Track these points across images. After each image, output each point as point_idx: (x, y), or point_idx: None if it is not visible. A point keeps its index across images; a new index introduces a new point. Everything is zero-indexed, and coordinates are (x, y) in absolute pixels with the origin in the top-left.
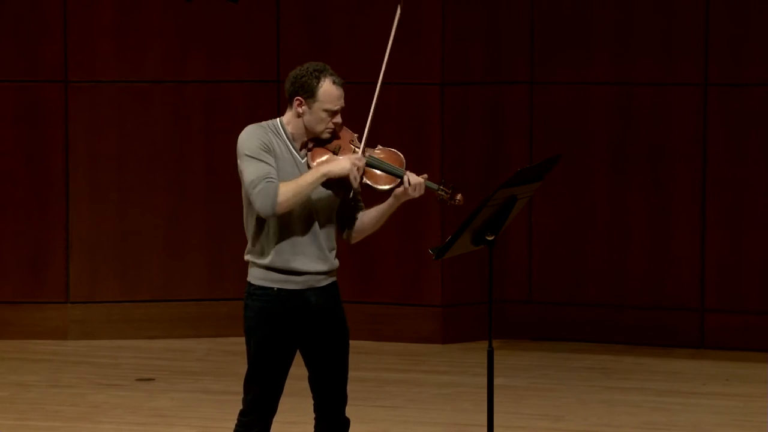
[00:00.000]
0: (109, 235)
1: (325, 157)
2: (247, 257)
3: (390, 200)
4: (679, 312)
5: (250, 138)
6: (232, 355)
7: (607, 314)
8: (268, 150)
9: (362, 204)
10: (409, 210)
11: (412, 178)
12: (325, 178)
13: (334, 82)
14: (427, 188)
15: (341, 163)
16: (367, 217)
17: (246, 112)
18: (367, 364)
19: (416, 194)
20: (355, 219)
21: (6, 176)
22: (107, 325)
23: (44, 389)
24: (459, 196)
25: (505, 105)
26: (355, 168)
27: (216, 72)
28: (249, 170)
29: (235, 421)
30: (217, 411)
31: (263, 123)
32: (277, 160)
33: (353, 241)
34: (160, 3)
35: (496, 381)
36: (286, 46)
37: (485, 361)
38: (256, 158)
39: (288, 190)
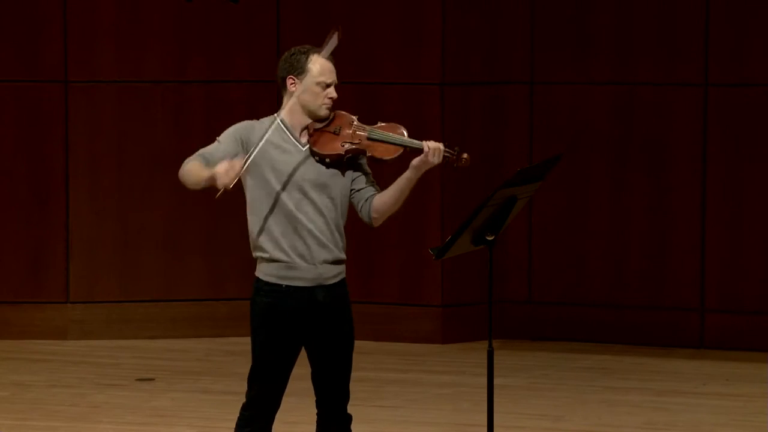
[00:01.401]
0: (109, 235)
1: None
2: (254, 254)
3: (408, 174)
4: (679, 312)
5: (231, 127)
6: (232, 355)
7: (607, 314)
8: (238, 142)
9: (377, 186)
10: (409, 210)
11: (430, 143)
12: (210, 180)
13: (322, 56)
14: None
15: (218, 169)
16: (387, 196)
17: (246, 112)
18: (367, 364)
19: (436, 160)
20: (372, 202)
21: (6, 176)
22: (107, 325)
23: (44, 389)
24: (465, 156)
25: (505, 105)
26: (230, 172)
27: (216, 72)
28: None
29: (237, 415)
30: (217, 411)
31: (262, 119)
32: (268, 152)
33: (376, 224)
34: (160, 3)
35: (496, 381)
36: (286, 47)
37: (485, 361)
38: (219, 141)
39: (187, 167)
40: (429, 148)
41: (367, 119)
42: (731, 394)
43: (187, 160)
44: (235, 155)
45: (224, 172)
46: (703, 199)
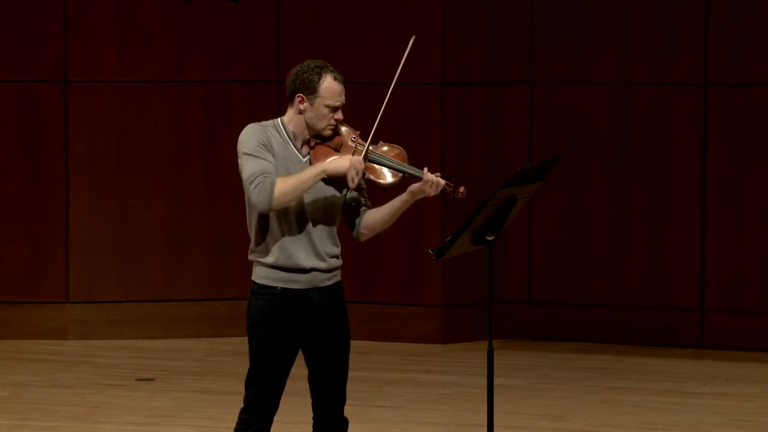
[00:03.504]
0: (109, 235)
1: (330, 159)
2: (251, 257)
3: (404, 196)
4: (679, 312)
5: (249, 137)
6: (232, 355)
7: (607, 314)
8: (267, 147)
9: (369, 202)
10: (409, 210)
11: (431, 176)
12: (323, 175)
13: (335, 78)
14: None
15: (340, 162)
16: (379, 215)
17: (246, 112)
18: (367, 364)
19: (432, 192)
20: (362, 217)
21: (6, 176)
22: (107, 325)
23: (44, 389)
24: (462, 189)
25: (505, 105)
26: (354, 169)
27: (216, 72)
28: (247, 167)
29: (236, 420)
30: (217, 411)
31: (263, 122)
32: (277, 158)
33: (363, 239)
34: (160, 3)
35: (496, 381)
36: (286, 46)
37: (485, 361)
38: (254, 155)
39: (285, 186)
40: (428, 180)
41: (368, 120)
42: (731, 394)
43: (264, 184)
44: (273, 158)
45: (350, 166)
46: (703, 199)
